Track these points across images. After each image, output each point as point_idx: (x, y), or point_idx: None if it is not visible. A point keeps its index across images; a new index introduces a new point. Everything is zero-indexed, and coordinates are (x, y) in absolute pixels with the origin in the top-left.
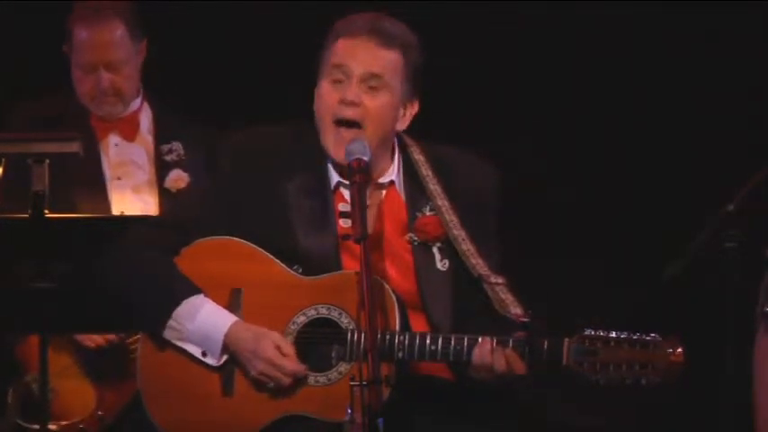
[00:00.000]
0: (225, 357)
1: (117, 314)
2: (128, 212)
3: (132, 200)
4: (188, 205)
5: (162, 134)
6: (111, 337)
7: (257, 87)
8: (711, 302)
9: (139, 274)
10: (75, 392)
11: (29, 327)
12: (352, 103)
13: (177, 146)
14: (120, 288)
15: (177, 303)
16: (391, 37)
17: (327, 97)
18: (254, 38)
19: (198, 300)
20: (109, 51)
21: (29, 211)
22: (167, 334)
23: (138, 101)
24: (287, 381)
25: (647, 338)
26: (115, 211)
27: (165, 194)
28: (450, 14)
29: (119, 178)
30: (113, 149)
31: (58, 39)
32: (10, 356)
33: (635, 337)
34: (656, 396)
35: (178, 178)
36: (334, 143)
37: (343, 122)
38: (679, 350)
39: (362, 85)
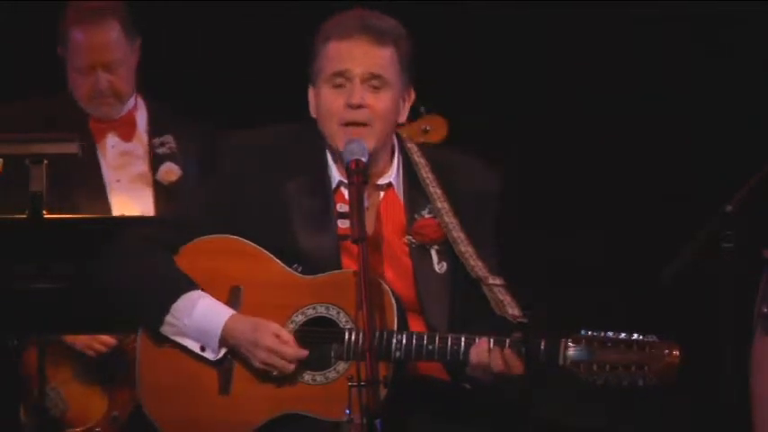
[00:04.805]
0: (223, 351)
1: (116, 312)
2: (128, 214)
3: (130, 197)
4: (188, 204)
5: (155, 129)
6: (111, 341)
7: (256, 87)
8: (711, 302)
9: (137, 270)
10: (86, 398)
11: (28, 328)
12: (359, 106)
13: (169, 138)
14: (118, 284)
15: (175, 298)
16: (383, 33)
17: (332, 103)
18: (251, 37)
19: (195, 294)
20: (106, 52)
21: (26, 212)
22: (165, 329)
23: (133, 100)
24: (290, 367)
25: (644, 339)
26: (115, 213)
27: (158, 187)
28: (449, 13)
29: (118, 181)
30: (111, 151)
31: (52, 40)
32: (15, 372)
33: (632, 339)
34: (656, 396)
35: (169, 171)
36: (345, 142)
37: (351, 124)
38: (676, 351)
39: (365, 85)
